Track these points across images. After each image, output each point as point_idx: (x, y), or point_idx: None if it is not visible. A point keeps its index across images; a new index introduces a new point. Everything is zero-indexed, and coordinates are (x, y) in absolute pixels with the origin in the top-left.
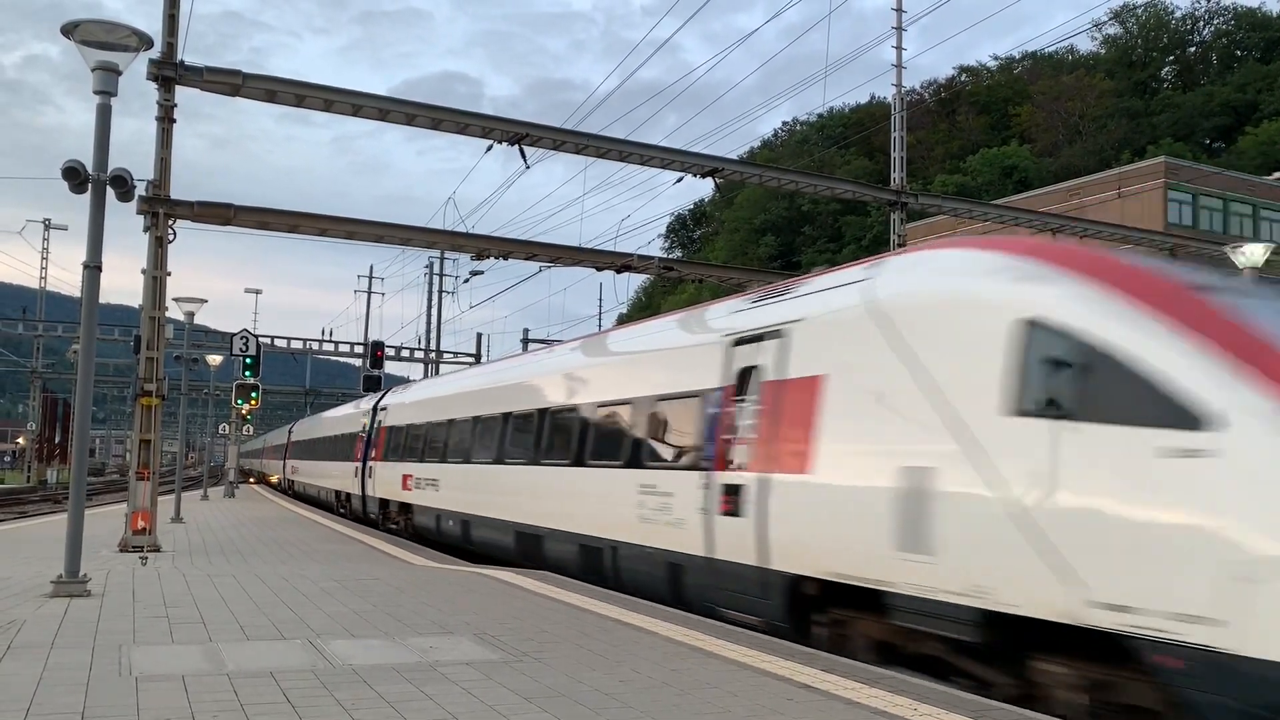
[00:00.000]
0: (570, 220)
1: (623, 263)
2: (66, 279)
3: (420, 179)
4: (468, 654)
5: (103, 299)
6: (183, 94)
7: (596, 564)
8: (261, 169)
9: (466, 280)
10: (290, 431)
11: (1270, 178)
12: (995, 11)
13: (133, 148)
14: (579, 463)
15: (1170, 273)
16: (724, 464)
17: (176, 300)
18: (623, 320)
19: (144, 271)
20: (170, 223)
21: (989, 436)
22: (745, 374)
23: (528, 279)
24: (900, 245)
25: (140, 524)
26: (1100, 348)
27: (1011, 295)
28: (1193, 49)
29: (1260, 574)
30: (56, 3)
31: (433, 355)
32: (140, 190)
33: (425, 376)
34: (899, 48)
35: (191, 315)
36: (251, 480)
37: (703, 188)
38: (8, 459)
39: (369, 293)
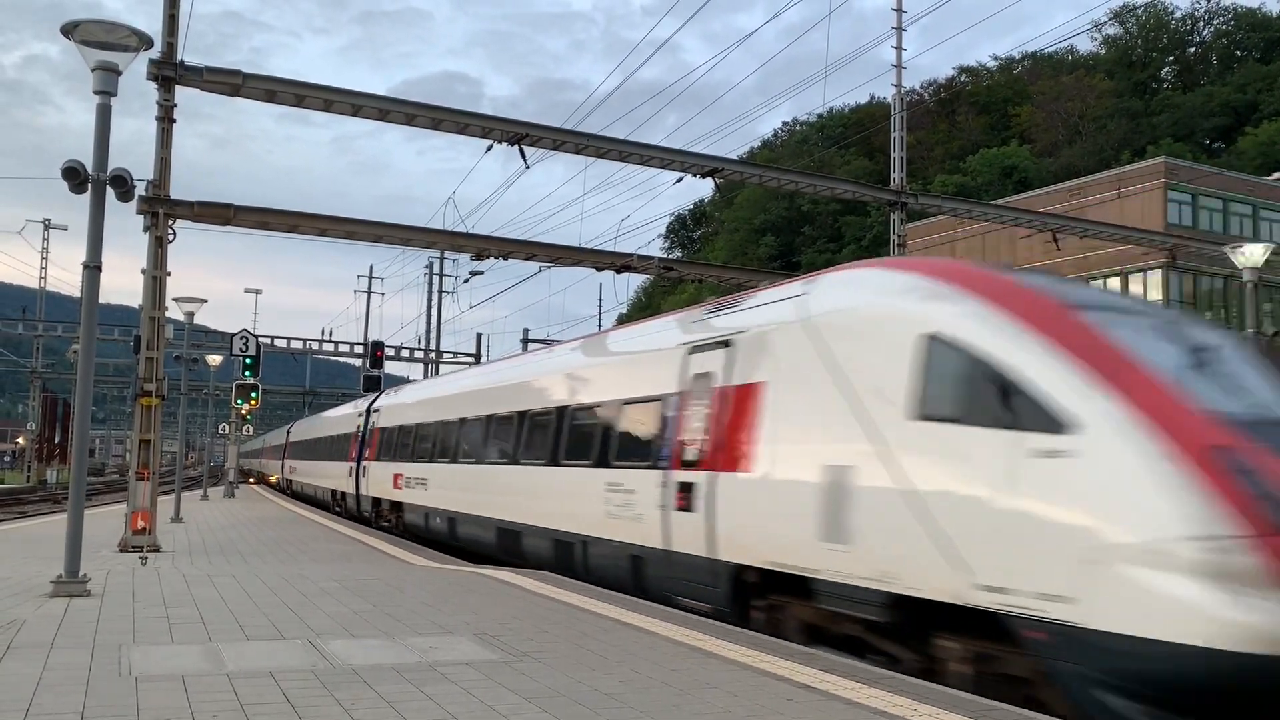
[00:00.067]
0: (570, 220)
1: (622, 263)
2: (66, 279)
3: (420, 179)
4: (467, 654)
5: (103, 299)
6: (183, 94)
7: (568, 558)
8: (261, 169)
9: (466, 280)
10: (288, 432)
11: (1270, 178)
12: (995, 11)
13: (133, 148)
14: (553, 462)
15: (1052, 292)
16: (679, 463)
17: (176, 300)
18: (622, 320)
19: (144, 271)
20: (170, 223)
21: (896, 438)
22: (699, 380)
23: (528, 279)
24: (900, 245)
25: (140, 524)
26: (986, 360)
27: (917, 312)
28: (1193, 49)
29: (1104, 557)
30: (56, 3)
31: (432, 355)
32: (140, 190)
33: (425, 376)
34: (899, 48)
35: (191, 315)
36: (251, 480)
37: (703, 188)
38: (8, 459)
39: (369, 293)
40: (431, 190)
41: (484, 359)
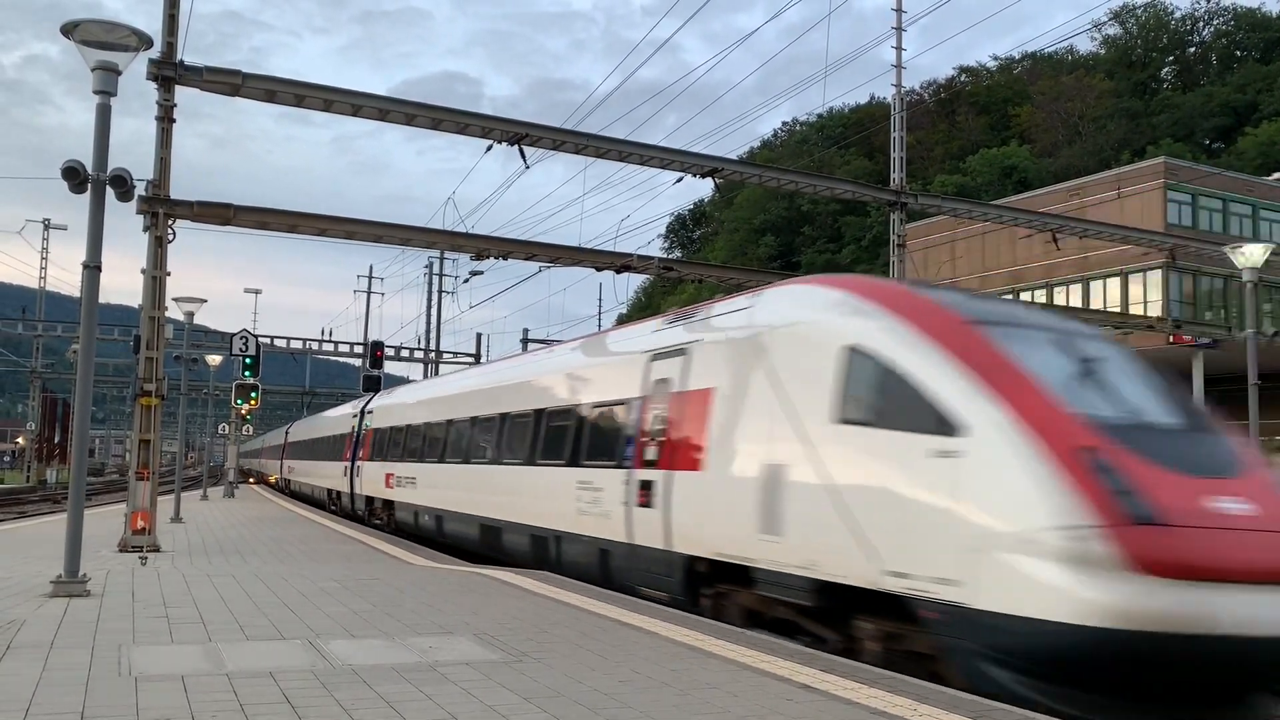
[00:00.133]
0: (570, 220)
1: (622, 263)
2: (66, 279)
3: (420, 179)
4: (467, 654)
5: (102, 299)
6: (182, 94)
7: (543, 552)
8: (261, 169)
9: (466, 280)
10: (287, 432)
11: (1270, 178)
12: (995, 12)
13: (133, 148)
14: (530, 462)
15: (959, 308)
16: (641, 463)
17: (176, 300)
18: (622, 320)
19: (144, 271)
20: (170, 223)
21: (821, 439)
22: (659, 385)
23: (527, 279)
24: (900, 245)
25: (140, 524)
26: (894, 369)
27: (840, 326)
28: (1192, 49)
29: (985, 545)
30: (56, 3)
31: (432, 355)
32: (140, 190)
33: (425, 376)
34: (899, 48)
35: (191, 315)
36: (251, 480)
37: (702, 188)
38: (7, 459)
39: (369, 293)
40: (431, 190)
41: (483, 359)
